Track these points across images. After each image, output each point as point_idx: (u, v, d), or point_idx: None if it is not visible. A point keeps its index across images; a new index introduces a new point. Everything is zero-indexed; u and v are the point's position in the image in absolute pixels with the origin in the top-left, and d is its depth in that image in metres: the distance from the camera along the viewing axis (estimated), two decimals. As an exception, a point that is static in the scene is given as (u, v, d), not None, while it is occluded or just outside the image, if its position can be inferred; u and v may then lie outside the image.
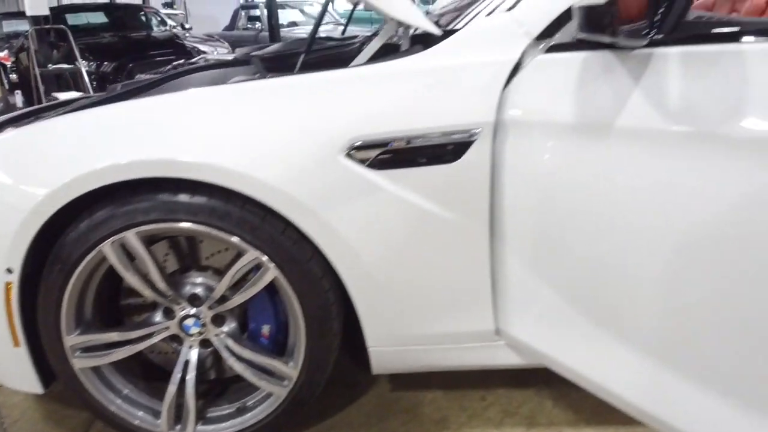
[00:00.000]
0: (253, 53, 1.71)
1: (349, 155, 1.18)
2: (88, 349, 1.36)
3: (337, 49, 1.58)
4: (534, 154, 1.17)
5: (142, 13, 8.07)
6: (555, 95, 1.14)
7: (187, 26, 9.37)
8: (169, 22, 8.64)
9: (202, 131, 1.21)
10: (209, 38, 7.47)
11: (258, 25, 9.06)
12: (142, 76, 1.90)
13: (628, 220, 1.07)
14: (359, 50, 1.46)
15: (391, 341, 1.35)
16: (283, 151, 1.18)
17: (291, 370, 1.34)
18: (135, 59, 6.13)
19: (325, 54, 1.57)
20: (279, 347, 1.43)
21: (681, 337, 1.07)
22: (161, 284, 1.30)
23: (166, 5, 18.26)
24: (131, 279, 1.29)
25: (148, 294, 1.32)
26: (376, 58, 1.37)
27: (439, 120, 1.19)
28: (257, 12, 9.12)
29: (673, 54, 1.01)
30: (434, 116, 1.19)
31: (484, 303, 1.31)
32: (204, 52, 6.69)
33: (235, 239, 1.22)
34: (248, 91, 1.25)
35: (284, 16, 8.96)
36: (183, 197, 1.21)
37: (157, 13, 8.39)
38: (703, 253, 0.99)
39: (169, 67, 1.96)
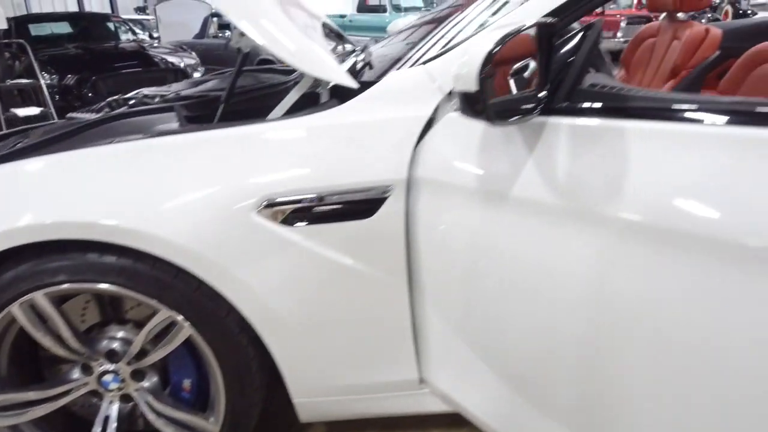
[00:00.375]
0: (183, 93, 1.68)
1: (261, 212, 1.17)
2: (5, 408, 1.33)
3: (260, 93, 1.56)
4: (443, 212, 1.16)
5: (109, 22, 7.92)
6: (460, 156, 1.14)
7: (155, 35, 9.25)
8: (139, 32, 8.51)
9: (104, 189, 1.18)
10: (177, 48, 7.36)
11: (228, 33, 8.99)
12: (75, 115, 1.87)
13: (524, 284, 1.07)
14: (284, 93, 1.44)
15: (317, 393, 1.34)
16: (191, 209, 1.16)
17: (212, 425, 1.32)
18: (99, 71, 6.01)
19: (249, 98, 1.55)
20: (203, 400, 1.41)
21: (576, 393, 1.07)
22: (74, 343, 1.28)
23: (139, 10, 18.05)
24: (43, 339, 1.26)
25: (62, 353, 1.29)
26: (293, 110, 1.36)
27: (353, 177, 1.18)
28: (228, 20, 9.01)
29: (564, 125, 1.00)
30: (347, 173, 1.18)
31: (407, 354, 1.30)
32: (171, 63, 6.61)
33: (146, 299, 1.20)
34: (156, 147, 1.23)
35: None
36: (92, 257, 1.18)
37: (124, 22, 8.26)
38: (582, 319, 1.00)
39: (104, 103, 1.92)
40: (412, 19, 2.31)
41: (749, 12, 12.10)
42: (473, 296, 1.17)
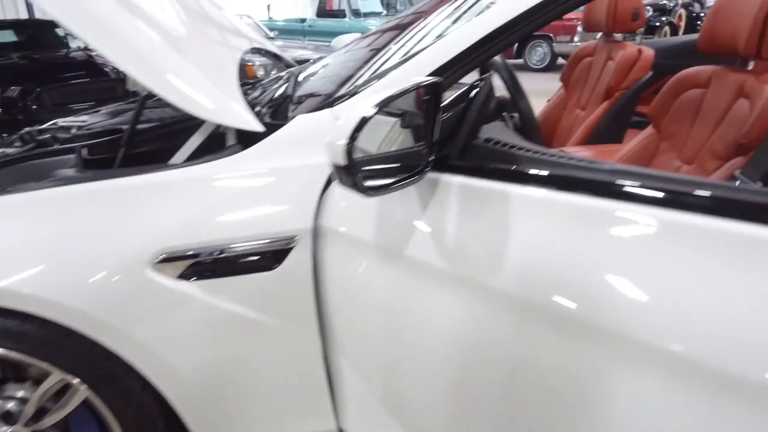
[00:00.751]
0: (95, 128, 1.59)
1: (156, 268, 1.10)
2: None
3: (167, 130, 1.48)
4: (347, 263, 1.12)
5: (58, 30, 7.64)
6: (360, 208, 1.09)
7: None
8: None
9: None
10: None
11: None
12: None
13: (417, 343, 1.04)
14: (192, 132, 1.37)
15: (231, 447, 1.28)
16: (78, 267, 1.09)
17: (117, 487, 1.25)
18: (44, 83, 5.78)
19: (156, 136, 1.47)
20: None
21: None
22: (-37, 408, 1.19)
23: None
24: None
25: (-51, 419, 1.21)
26: (197, 154, 1.30)
27: (255, 227, 1.12)
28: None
29: (455, 184, 0.96)
30: (249, 223, 1.13)
31: (323, 405, 1.26)
32: (122, 73, 6.42)
33: (37, 361, 1.13)
34: (43, 200, 1.15)
35: (211, 30, 8.71)
36: (-27, 320, 1.10)
37: (74, 29, 7.96)
38: (461, 381, 0.98)
39: (16, 136, 1.82)
40: (354, 36, 2.27)
41: (703, 16, 12.39)
42: (377, 350, 1.14)
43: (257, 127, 1.20)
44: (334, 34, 9.55)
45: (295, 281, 1.15)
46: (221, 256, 1.12)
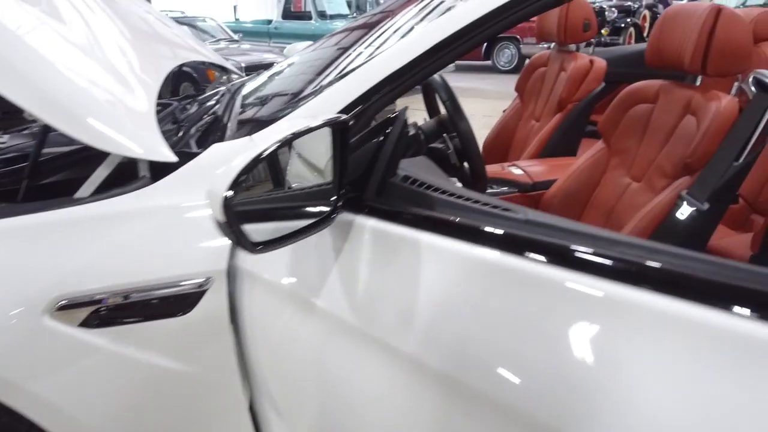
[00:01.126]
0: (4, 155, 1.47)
1: (55, 316, 1.00)
2: None
3: (75, 159, 1.37)
4: (263, 307, 1.04)
5: None
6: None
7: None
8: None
9: None
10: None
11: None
12: None
13: (342, 397, 0.96)
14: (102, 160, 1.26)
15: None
16: None
17: None
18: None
19: (65, 164, 1.36)
20: None
21: None
22: None
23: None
24: None
25: None
26: (105, 186, 1.20)
27: (164, 269, 1.03)
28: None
29: (369, 228, 0.88)
30: (158, 265, 1.03)
31: (250, 452, 1.18)
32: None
33: None
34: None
35: (173, 33, 8.49)
36: None
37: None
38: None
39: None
40: (305, 45, 2.17)
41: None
42: (305, 401, 1.05)
43: (167, 156, 1.10)
44: (300, 36, 9.46)
45: (212, 326, 1.06)
46: (127, 301, 1.02)
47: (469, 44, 0.98)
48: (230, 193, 0.71)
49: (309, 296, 0.93)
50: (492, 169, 2.19)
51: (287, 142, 0.77)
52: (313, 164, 0.89)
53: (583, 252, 0.67)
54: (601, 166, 1.85)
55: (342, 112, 0.94)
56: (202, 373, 1.08)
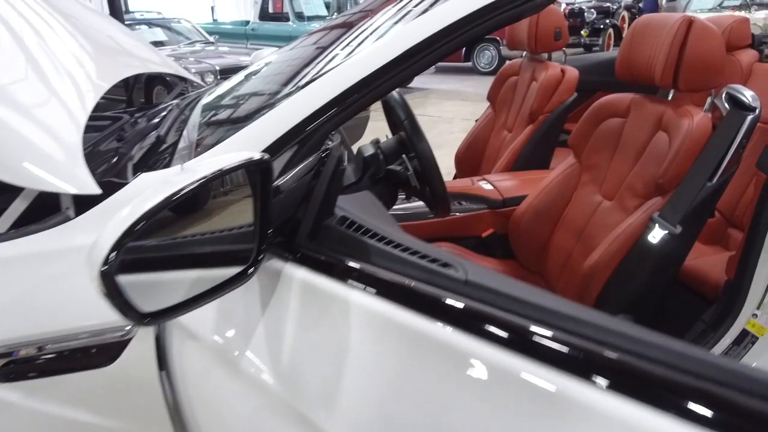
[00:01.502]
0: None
1: (-41, 371, 0.90)
2: None
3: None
4: (193, 362, 0.94)
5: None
6: None
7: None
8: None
9: None
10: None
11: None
12: None
13: None
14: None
15: None
16: None
17: None
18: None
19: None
20: None
21: None
22: None
23: None
24: None
25: None
26: (23, 221, 1.09)
27: (83, 317, 0.93)
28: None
29: (297, 280, 0.78)
30: (76, 312, 0.93)
31: None
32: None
33: None
34: None
35: (147, 35, 8.31)
36: None
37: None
38: None
39: None
40: (270, 51, 2.06)
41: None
42: None
43: (87, 188, 0.99)
44: (277, 38, 9.30)
45: (138, 377, 0.96)
46: (43, 353, 0.92)
47: (429, 59, 0.87)
48: (109, 261, 0.60)
49: (235, 357, 0.83)
50: (462, 184, 2.11)
51: (179, 197, 0.66)
52: (235, 201, 0.79)
53: (523, 331, 0.58)
54: (572, 182, 1.78)
55: (274, 145, 0.84)
56: (129, 427, 0.98)
